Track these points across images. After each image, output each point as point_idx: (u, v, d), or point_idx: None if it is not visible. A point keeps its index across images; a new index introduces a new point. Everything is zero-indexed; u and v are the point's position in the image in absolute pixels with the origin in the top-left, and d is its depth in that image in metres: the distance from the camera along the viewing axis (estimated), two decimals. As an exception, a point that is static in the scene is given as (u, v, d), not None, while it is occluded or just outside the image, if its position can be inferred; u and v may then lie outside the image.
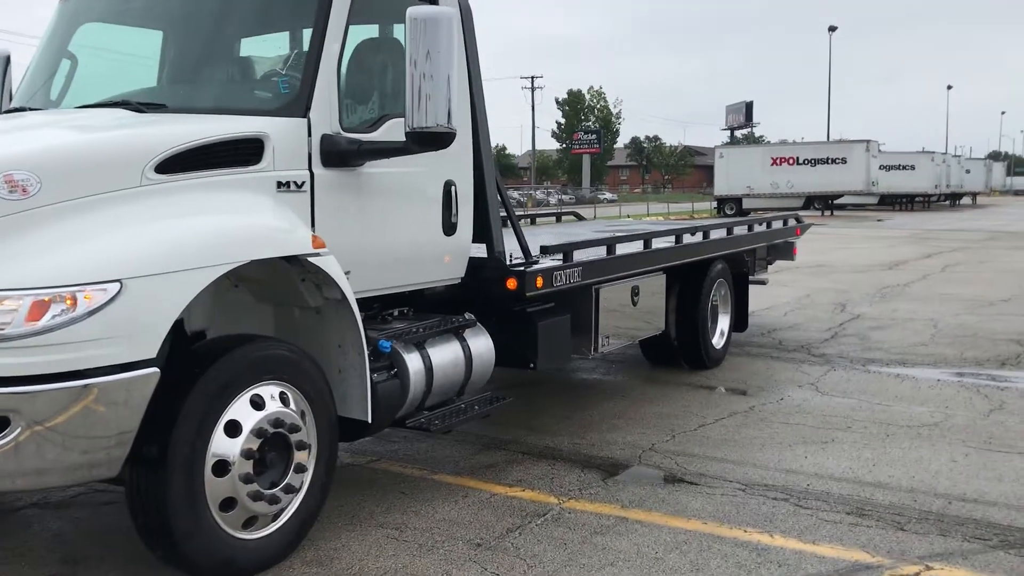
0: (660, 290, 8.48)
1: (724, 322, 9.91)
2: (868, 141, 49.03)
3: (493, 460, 6.47)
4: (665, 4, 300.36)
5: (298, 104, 4.85)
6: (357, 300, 5.26)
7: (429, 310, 6.07)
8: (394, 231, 5.39)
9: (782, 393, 8.46)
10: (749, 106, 76.73)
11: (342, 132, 4.99)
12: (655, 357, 9.66)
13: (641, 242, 8.01)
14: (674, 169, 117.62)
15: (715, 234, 9.45)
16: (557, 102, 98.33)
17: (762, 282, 11.48)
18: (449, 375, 5.70)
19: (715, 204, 52.71)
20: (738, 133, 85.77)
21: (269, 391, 4.45)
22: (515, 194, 67.03)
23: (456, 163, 5.82)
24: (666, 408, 7.91)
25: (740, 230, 10.15)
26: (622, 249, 7.66)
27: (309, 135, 4.85)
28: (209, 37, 5.36)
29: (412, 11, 4.63)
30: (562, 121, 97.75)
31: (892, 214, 49.16)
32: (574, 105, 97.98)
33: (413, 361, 5.41)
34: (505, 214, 6.53)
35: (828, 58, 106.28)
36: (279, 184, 4.68)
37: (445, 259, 5.88)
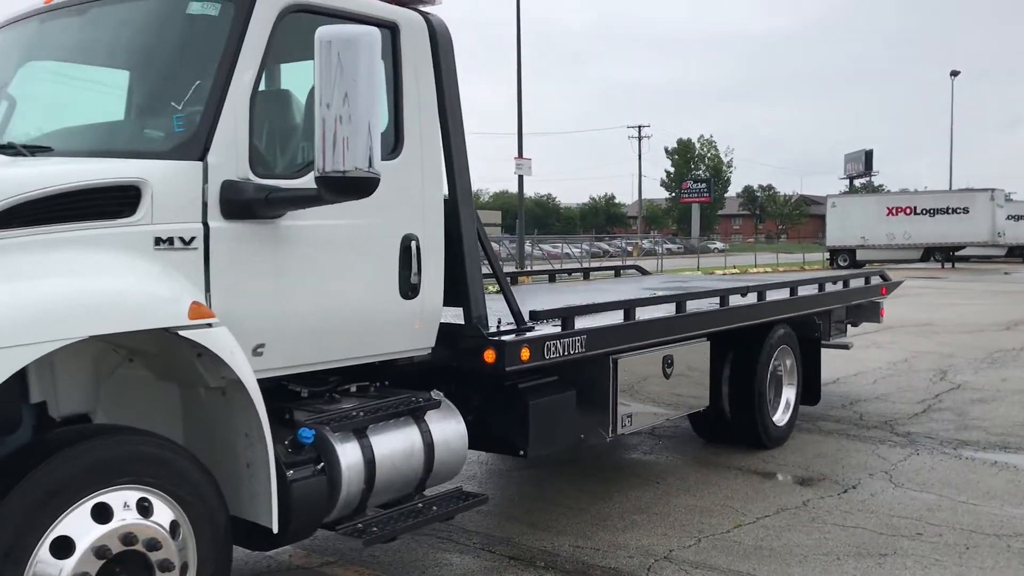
0: (702, 359, 7.33)
1: (789, 394, 8.65)
2: (993, 190, 46.12)
3: (469, 568, 5.43)
4: (776, 52, 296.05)
5: (193, 145, 4.03)
6: (293, 376, 4.51)
7: (411, 384, 5.16)
8: (331, 295, 4.50)
9: (847, 483, 7.16)
10: (868, 154, 73.97)
11: (252, 178, 4.14)
12: (709, 433, 8.47)
13: (673, 305, 6.91)
14: (788, 219, 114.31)
15: (774, 295, 8.24)
16: (666, 151, 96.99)
17: (844, 346, 10.16)
18: (400, 469, 4.73)
19: (827, 255, 50.44)
20: (857, 182, 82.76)
21: (122, 498, 3.57)
22: (622, 243, 65.90)
23: (417, 213, 4.92)
24: (702, 500, 6.72)
25: (807, 290, 8.90)
26: (646, 313, 6.58)
27: (205, 181, 4.01)
28: (100, 69, 4.63)
29: (322, 32, 3.76)
30: (671, 170, 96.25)
31: (1022, 267, 45.93)
32: (683, 154, 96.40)
33: (348, 453, 4.47)
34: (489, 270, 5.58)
35: (951, 104, 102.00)
36: (158, 240, 3.84)
37: (413, 325, 4.95)
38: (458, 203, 5.24)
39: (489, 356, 5.16)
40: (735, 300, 7.69)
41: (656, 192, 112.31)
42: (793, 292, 8.51)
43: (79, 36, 4.69)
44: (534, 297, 7.89)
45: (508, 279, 5.72)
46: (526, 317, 5.56)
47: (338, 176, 3.79)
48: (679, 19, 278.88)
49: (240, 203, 4.08)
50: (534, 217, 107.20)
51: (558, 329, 5.66)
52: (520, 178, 35.39)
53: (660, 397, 6.79)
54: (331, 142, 3.76)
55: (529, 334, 5.45)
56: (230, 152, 4.08)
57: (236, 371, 3.86)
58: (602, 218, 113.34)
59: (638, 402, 6.51)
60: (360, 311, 4.65)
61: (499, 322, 5.55)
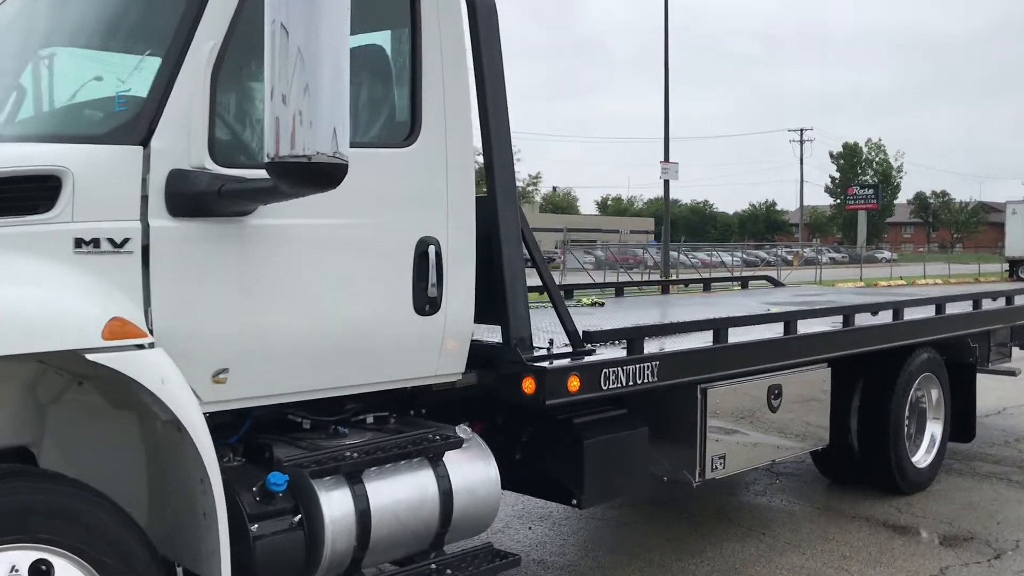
0: (821, 388, 6.17)
1: (934, 429, 7.34)
2: None
3: (509, 636, 4.53)
4: (952, 53, 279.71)
5: (133, 127, 3.31)
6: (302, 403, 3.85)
7: (452, 413, 4.42)
8: (319, 310, 3.71)
9: (1002, 545, 5.85)
10: (1054, 157, 68.00)
11: (210, 167, 3.39)
12: (835, 472, 7.27)
13: (781, 325, 5.80)
14: (964, 227, 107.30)
15: (915, 313, 6.96)
16: (831, 156, 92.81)
17: (1010, 373, 8.68)
18: (406, 522, 3.89)
19: (1006, 266, 46.55)
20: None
21: (9, 560, 2.88)
22: (781, 251, 63.19)
23: (438, 212, 4.08)
24: (812, 561, 5.58)
25: (958, 307, 7.54)
26: (745, 334, 5.51)
27: (147, 171, 3.29)
28: (32, 46, 3.99)
29: None
30: (836, 176, 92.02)
31: None
32: (849, 159, 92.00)
33: (334, 503, 3.66)
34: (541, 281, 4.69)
35: None
36: (79, 242, 3.14)
37: (432, 346, 4.11)
38: (497, 201, 4.37)
39: (528, 386, 4.26)
40: (863, 319, 6.48)
41: (821, 198, 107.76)
42: (939, 310, 7.19)
43: (12, 7, 4.09)
44: (621, 313, 6.94)
45: (561, 291, 4.79)
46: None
47: (293, 162, 2.98)
48: (847, 20, 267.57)
49: (191, 197, 3.34)
50: (689, 224, 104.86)
51: (623, 353, 4.70)
52: (666, 183, 34.10)
53: (764, 434, 5.69)
54: (285, 118, 2.96)
55: (579, 359, 4.52)
56: (181, 135, 3.35)
57: (168, 404, 3.11)
58: (762, 225, 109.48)
59: (734, 440, 5.45)
60: (359, 329, 3.85)
61: (550, 344, 4.64)
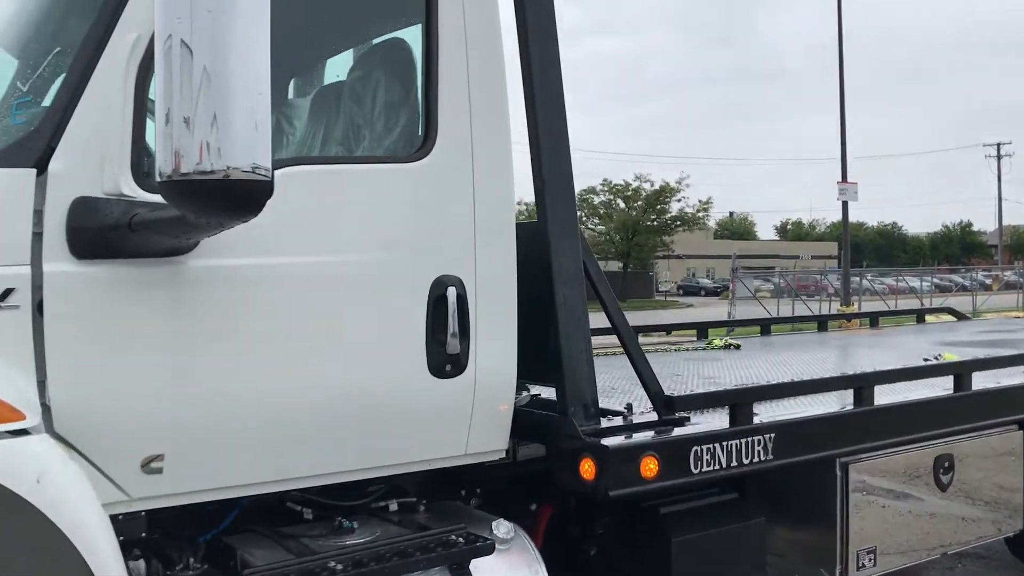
0: (1011, 458, 4.80)
1: None
2: None
3: None
4: None
5: (25, 145, 2.55)
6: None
7: (517, 495, 3.63)
8: (292, 377, 2.85)
9: None
10: None
11: (131, 194, 2.59)
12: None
13: (951, 379, 4.51)
14: None
15: None
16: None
17: None
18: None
19: None
20: None
21: None
22: (978, 275, 58.40)
23: (462, 244, 3.15)
24: None
25: None
26: (906, 390, 4.26)
27: (41, 201, 2.53)
28: None
29: None
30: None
31: None
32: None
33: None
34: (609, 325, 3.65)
35: None
36: (-63, 296, 2.41)
37: (457, 416, 3.18)
38: (549, 226, 3.40)
39: (587, 470, 3.24)
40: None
41: (1022, 217, 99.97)
42: None
43: None
44: (754, 359, 5.77)
45: (637, 340, 3.70)
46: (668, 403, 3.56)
47: (199, 181, 2.14)
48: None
49: (100, 233, 2.54)
50: (876, 248, 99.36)
51: (725, 423, 3.60)
52: (844, 204, 31.76)
53: (930, 519, 4.41)
54: (180, 125, 2.13)
55: (661, 434, 3.45)
56: (92, 153, 2.57)
57: (43, 509, 2.31)
58: (956, 247, 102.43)
59: (889, 528, 4.21)
60: (351, 400, 2.95)
61: (627, 410, 3.61)
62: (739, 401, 3.60)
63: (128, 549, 2.72)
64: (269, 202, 2.72)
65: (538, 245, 3.43)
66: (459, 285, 3.11)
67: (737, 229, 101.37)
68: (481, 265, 3.18)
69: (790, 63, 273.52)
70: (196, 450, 2.72)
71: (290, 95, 3.98)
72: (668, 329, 7.67)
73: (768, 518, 3.82)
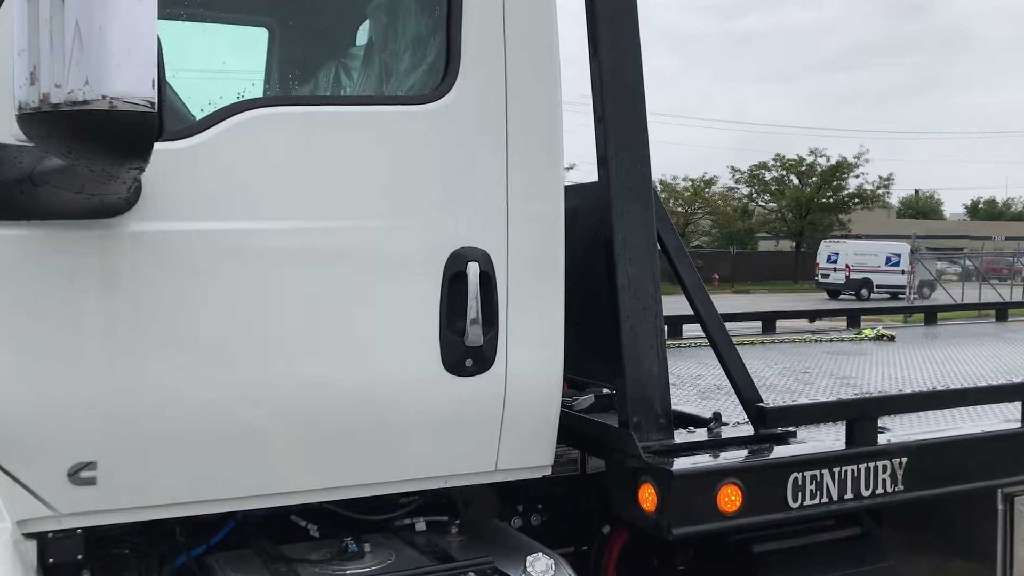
0: None
1: None
2: None
3: None
4: None
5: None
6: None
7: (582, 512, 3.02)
8: (260, 370, 2.28)
9: None
10: None
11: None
12: None
13: None
14: None
15: None
16: None
17: None
18: None
19: None
20: None
21: None
22: None
23: (489, 207, 2.49)
24: None
25: None
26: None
27: None
28: None
29: None
30: None
31: None
32: None
33: None
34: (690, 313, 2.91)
35: None
36: None
37: (483, 424, 2.55)
38: (612, 188, 2.68)
39: (647, 498, 2.53)
40: None
41: None
42: None
43: None
44: (908, 355, 4.84)
45: (727, 332, 2.89)
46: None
47: (58, 111, 1.60)
48: None
49: (1, 187, 2.05)
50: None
51: (840, 446, 2.79)
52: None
53: None
54: (36, 41, 1.60)
55: (753, 455, 2.68)
56: (-2, 87, 2.07)
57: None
58: None
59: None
60: (340, 400, 2.36)
61: (712, 421, 2.86)
62: (859, 415, 2.78)
63: (65, 571, 2.26)
64: (232, 152, 2.18)
65: (596, 211, 2.74)
66: (483, 260, 2.45)
67: (922, 208, 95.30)
68: (516, 235, 2.51)
69: (984, 31, 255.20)
70: (138, 458, 2.21)
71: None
72: (811, 316, 6.73)
73: (900, 559, 2.99)
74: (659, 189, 53.04)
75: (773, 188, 54.39)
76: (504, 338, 2.51)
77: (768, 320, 6.00)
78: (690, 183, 52.83)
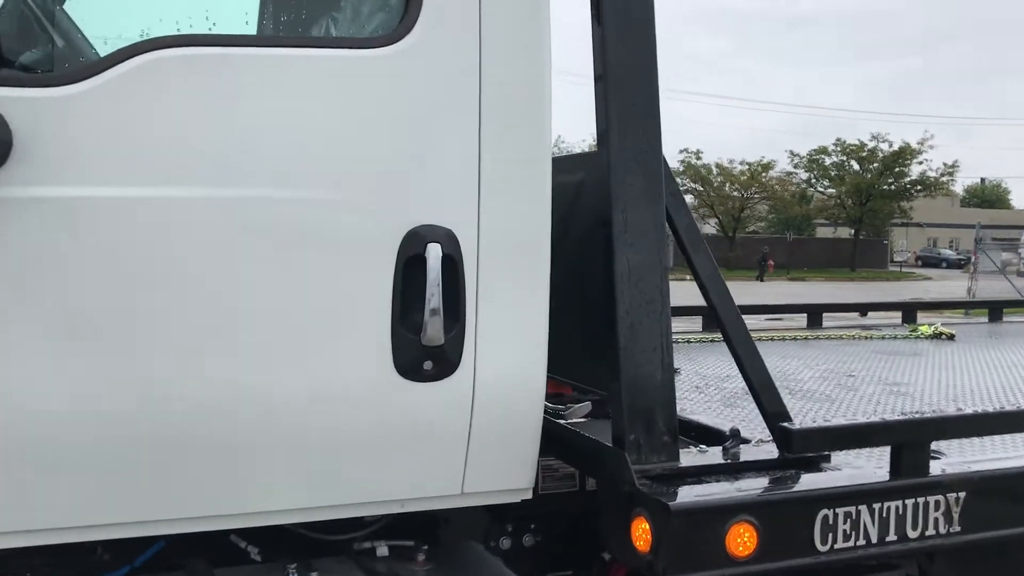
0: None
1: None
2: None
3: None
4: None
5: None
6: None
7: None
8: (160, 371, 1.87)
9: None
10: None
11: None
12: None
13: None
14: None
15: None
16: None
17: None
18: None
19: None
20: None
21: None
22: None
23: (457, 177, 2.04)
24: None
25: None
26: None
27: None
28: None
29: None
30: None
31: None
32: None
33: None
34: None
35: None
36: None
37: (471, 438, 2.11)
38: (612, 156, 2.21)
39: (640, 536, 2.07)
40: None
41: None
42: None
43: None
44: (968, 358, 4.30)
45: (748, 329, 2.40)
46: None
47: None
48: None
49: None
50: None
51: (880, 470, 2.30)
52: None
53: None
54: None
55: (773, 486, 2.21)
56: None
57: None
58: None
59: None
60: (261, 407, 1.94)
61: (730, 439, 2.39)
62: (907, 440, 2.29)
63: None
64: (129, 102, 1.78)
65: (594, 186, 2.29)
66: (447, 241, 2.01)
67: (988, 197, 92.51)
68: (489, 211, 2.07)
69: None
70: (8, 472, 1.81)
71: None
72: (863, 309, 6.16)
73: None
74: (715, 172, 52.31)
75: (833, 174, 53.01)
76: (472, 336, 2.07)
77: (814, 313, 5.47)
78: (747, 167, 51.65)
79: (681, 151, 50.53)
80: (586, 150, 2.37)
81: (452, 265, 2.02)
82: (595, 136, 2.31)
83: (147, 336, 1.84)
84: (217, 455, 1.92)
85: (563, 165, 2.31)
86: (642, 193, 2.22)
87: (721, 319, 2.36)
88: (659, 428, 2.20)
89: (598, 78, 2.24)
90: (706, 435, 2.55)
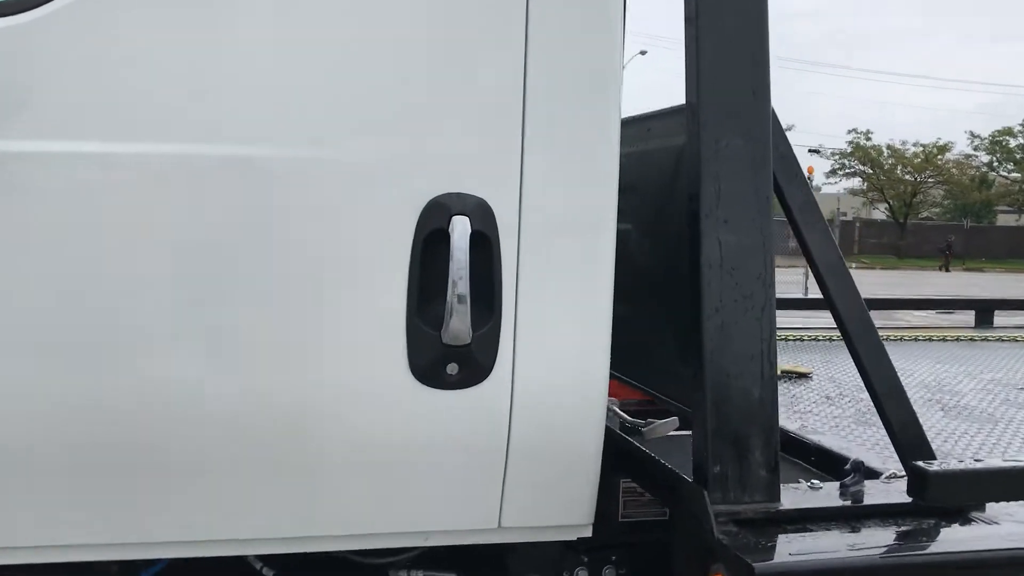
0: None
1: None
2: None
3: None
4: None
5: None
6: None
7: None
8: (103, 370, 1.54)
9: None
10: None
11: None
12: None
13: None
14: None
15: None
16: None
17: None
18: None
19: None
20: None
21: None
22: None
23: (499, 134, 1.62)
24: None
25: None
26: None
27: None
28: None
29: None
30: None
31: None
32: None
33: None
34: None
35: None
36: None
37: (508, 462, 1.70)
38: (703, 120, 1.73)
39: (717, 596, 1.61)
40: None
41: None
42: None
43: None
44: None
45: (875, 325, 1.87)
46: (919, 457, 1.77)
47: None
48: None
49: None
50: None
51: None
52: None
53: None
54: None
55: (874, 541, 1.68)
56: None
57: None
58: None
59: None
60: (238, 414, 1.58)
61: (854, 473, 1.87)
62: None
63: None
64: (81, 36, 1.46)
65: (675, 148, 1.82)
66: (479, 214, 1.60)
67: None
68: (536, 178, 1.64)
69: None
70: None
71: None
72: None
73: None
74: (886, 154, 49.70)
75: (1018, 156, 49.27)
76: (511, 333, 1.65)
77: (984, 310, 4.74)
78: (921, 148, 48.68)
79: (849, 131, 48.17)
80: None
81: (485, 245, 1.61)
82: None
83: (108, 333, 1.51)
84: (195, 472, 1.58)
85: (636, 124, 1.85)
86: (742, 157, 1.73)
87: (842, 317, 1.85)
88: (754, 459, 1.72)
89: (689, 19, 1.76)
90: (829, 461, 2.06)
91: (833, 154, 51.25)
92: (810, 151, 40.70)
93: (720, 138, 1.72)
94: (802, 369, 3.30)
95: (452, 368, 1.63)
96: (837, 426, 2.50)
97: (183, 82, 1.51)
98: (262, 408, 1.57)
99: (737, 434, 1.71)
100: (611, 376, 1.79)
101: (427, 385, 1.62)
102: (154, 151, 1.50)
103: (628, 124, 2.02)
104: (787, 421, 2.48)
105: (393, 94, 1.58)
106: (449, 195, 1.59)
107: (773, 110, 1.81)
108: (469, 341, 1.60)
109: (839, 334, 1.94)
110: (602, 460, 1.79)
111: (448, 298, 1.58)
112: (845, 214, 48.09)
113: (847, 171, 52.03)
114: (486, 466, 1.70)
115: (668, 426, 2.08)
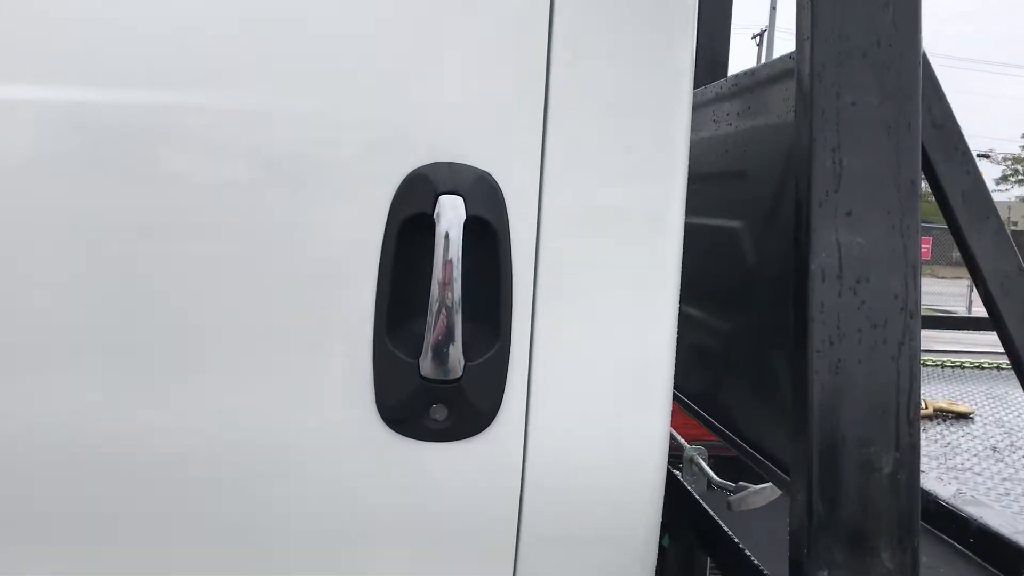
0: None
1: None
2: None
3: None
4: None
5: None
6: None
7: None
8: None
9: None
10: None
11: None
12: None
13: None
14: None
15: None
16: None
17: None
18: None
19: None
20: None
21: None
22: None
23: (510, 85, 1.13)
24: None
25: None
26: None
27: None
28: None
29: None
30: None
31: None
32: None
33: None
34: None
35: None
36: None
37: (531, 536, 1.22)
38: (815, 61, 1.19)
39: None
40: None
41: None
42: None
43: None
44: None
45: None
46: None
47: None
48: None
49: None
50: None
51: None
52: None
53: None
54: None
55: None
56: None
57: None
58: None
59: None
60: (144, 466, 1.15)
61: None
62: None
63: None
64: None
65: (776, 120, 1.29)
66: (479, 192, 1.12)
67: None
68: (563, 139, 1.14)
69: None
70: None
71: None
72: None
73: None
74: (1001, 157, 46.37)
75: None
76: (525, 364, 1.16)
77: None
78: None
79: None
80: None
81: (488, 236, 1.12)
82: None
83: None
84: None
85: (715, 90, 1.33)
86: (876, 121, 1.19)
87: (1013, 344, 1.27)
88: (877, 553, 1.17)
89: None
90: (996, 548, 1.49)
91: (1005, 159, 48.33)
92: (979, 156, 38.24)
93: (842, 91, 1.17)
94: (961, 408, 2.65)
95: (437, 412, 1.15)
96: (1008, 493, 1.89)
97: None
98: (188, 452, 1.14)
99: (856, 527, 1.16)
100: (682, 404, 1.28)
101: (400, 434, 1.15)
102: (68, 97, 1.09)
103: (716, 100, 1.50)
104: (938, 484, 1.89)
105: (368, 44, 1.12)
106: (436, 165, 1.11)
107: (926, 56, 1.25)
108: (460, 374, 1.12)
109: (1008, 362, 1.39)
110: (682, 534, 1.29)
111: (430, 312, 1.10)
112: (1016, 223, 45.00)
113: (1020, 177, 49.04)
114: (486, 554, 1.21)
115: (763, 496, 1.54)
